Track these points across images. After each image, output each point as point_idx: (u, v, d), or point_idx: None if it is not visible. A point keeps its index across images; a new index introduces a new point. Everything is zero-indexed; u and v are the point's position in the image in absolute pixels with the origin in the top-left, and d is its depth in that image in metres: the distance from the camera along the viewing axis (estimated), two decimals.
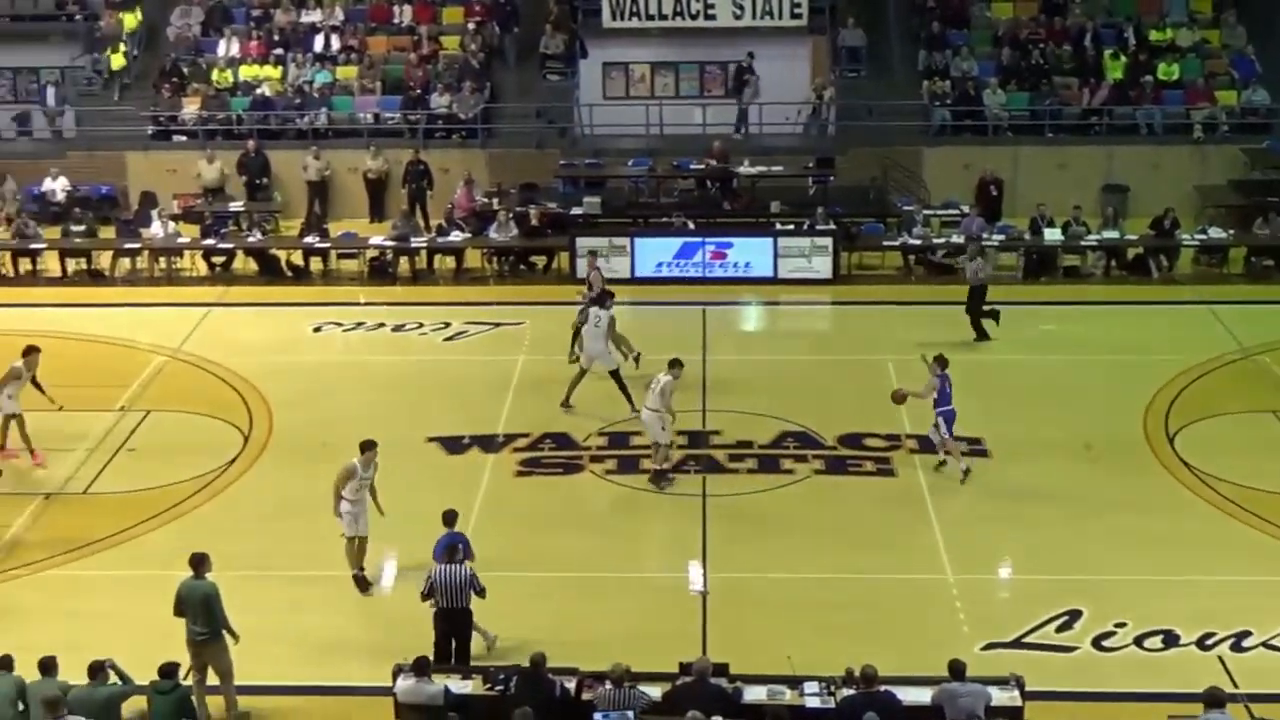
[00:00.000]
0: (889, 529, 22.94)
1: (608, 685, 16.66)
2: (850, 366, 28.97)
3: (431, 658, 17.99)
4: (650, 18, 39.70)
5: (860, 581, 21.36)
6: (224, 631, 18.27)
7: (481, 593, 18.86)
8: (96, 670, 16.86)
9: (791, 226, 34.07)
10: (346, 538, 21.24)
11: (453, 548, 19.32)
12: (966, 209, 35.42)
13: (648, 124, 39.30)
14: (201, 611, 18.09)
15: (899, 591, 21.22)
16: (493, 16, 40.78)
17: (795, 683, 17.24)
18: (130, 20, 41.49)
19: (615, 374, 26.75)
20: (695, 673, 16.80)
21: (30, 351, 25.40)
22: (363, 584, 21.31)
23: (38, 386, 25.32)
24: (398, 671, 17.45)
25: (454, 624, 18.84)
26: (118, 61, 40.71)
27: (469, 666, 18.05)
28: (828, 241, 33.18)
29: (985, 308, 29.69)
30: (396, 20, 41.74)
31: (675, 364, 24.32)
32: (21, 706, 16.81)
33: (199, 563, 18.46)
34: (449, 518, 20.09)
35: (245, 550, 21.46)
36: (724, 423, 26.27)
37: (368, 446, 21.38)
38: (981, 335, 29.70)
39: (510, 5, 41.14)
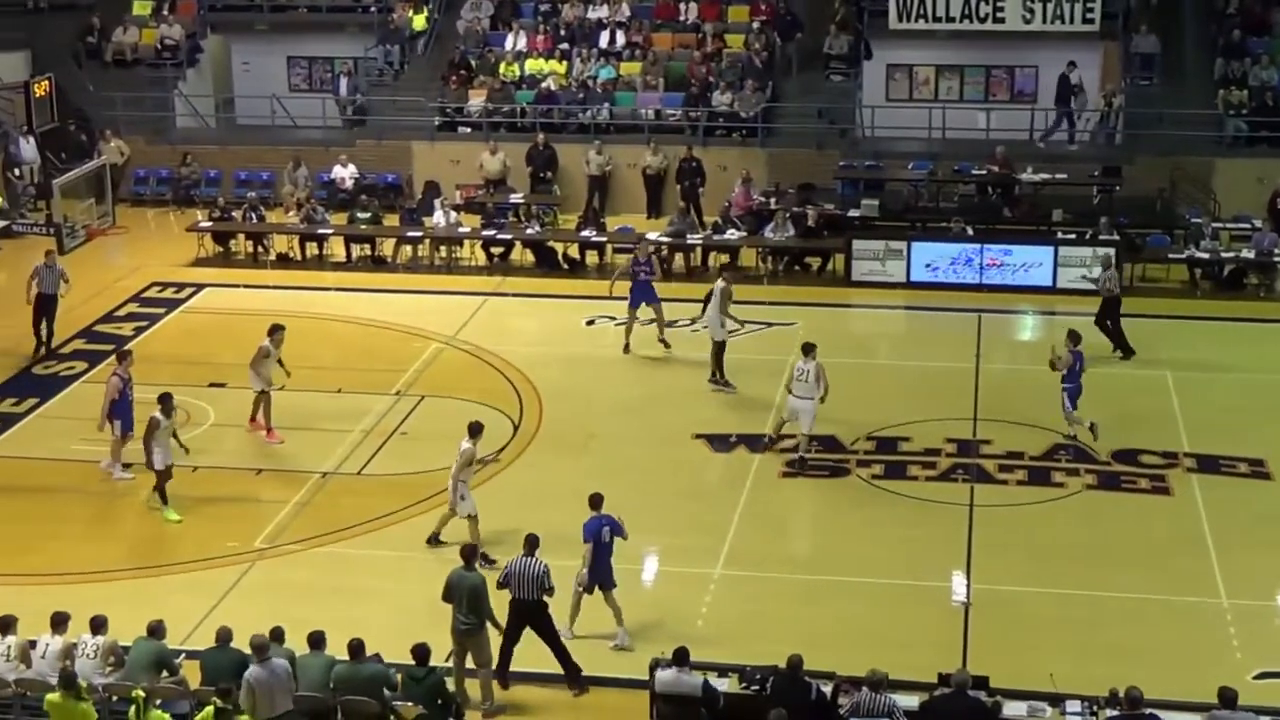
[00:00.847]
0: (1161, 548, 22.28)
1: (865, 691, 16.45)
2: (1127, 380, 28.19)
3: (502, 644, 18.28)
4: (937, 20, 39.17)
5: (1128, 601, 20.80)
6: (488, 624, 18.47)
7: (550, 592, 18.74)
8: (358, 649, 17.19)
9: (1073, 236, 33.34)
10: (470, 517, 21.66)
11: (600, 531, 19.58)
12: (1259, 223, 34.27)
13: (929, 127, 38.84)
14: (469, 602, 18.33)
15: (1168, 613, 20.61)
16: (777, 16, 40.64)
17: (1057, 700, 16.83)
18: (419, 20, 42.32)
19: (720, 346, 27.49)
20: (954, 684, 16.51)
21: (276, 329, 26.08)
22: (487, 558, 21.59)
23: (279, 363, 26.01)
24: (655, 665, 17.46)
25: (526, 616, 18.82)
26: (419, 23, 41.83)
27: (725, 665, 17.96)
28: (1110, 252, 32.38)
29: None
30: (682, 17, 41.88)
31: (809, 348, 24.89)
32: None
33: (470, 554, 18.74)
34: (595, 501, 20.12)
35: (507, 538, 21.66)
36: (995, 432, 25.82)
37: (480, 429, 21.98)
38: (1125, 348, 28.90)
39: (789, 11, 40.84)
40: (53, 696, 16.54)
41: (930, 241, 33.47)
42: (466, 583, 18.39)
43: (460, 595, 18.36)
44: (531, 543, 19.04)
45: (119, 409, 24.55)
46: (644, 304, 29.65)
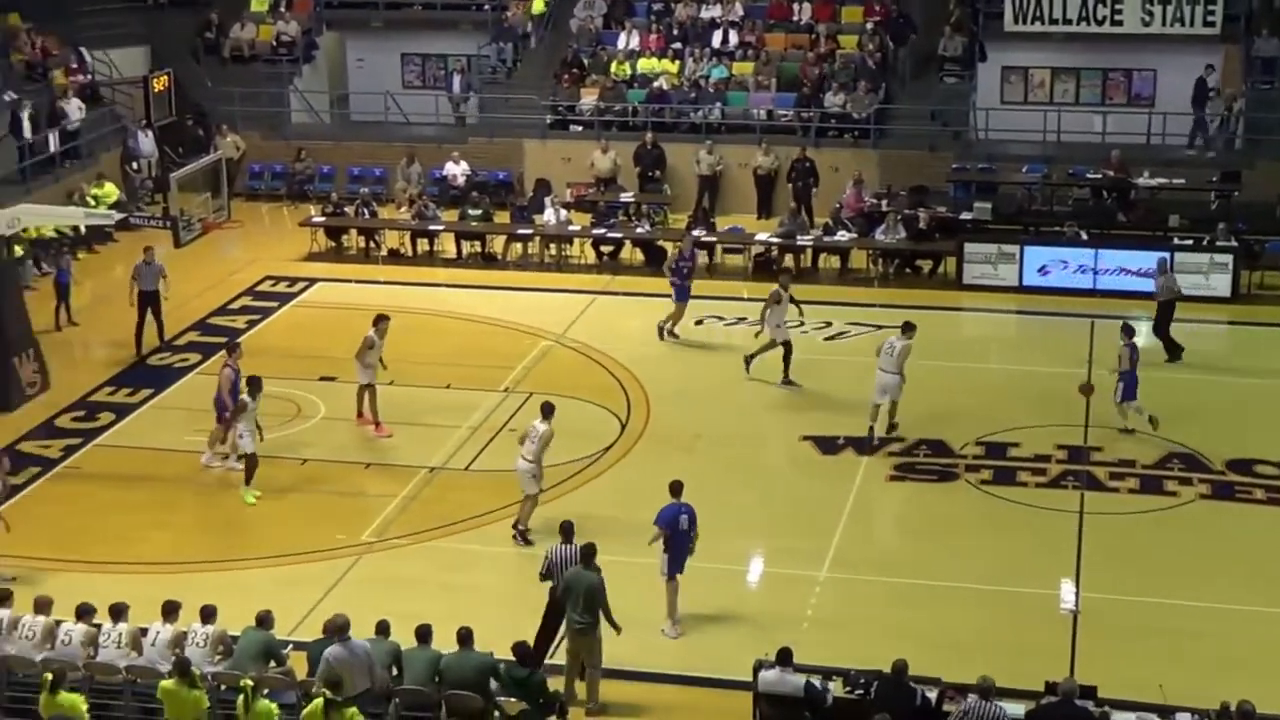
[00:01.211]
0: (1276, 560, 21.91)
1: (972, 698, 16.30)
2: (1243, 389, 27.83)
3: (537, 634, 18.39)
4: (1054, 22, 38.80)
5: (1241, 613, 20.48)
6: (604, 623, 18.48)
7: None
8: (466, 638, 17.25)
9: (1190, 241, 32.87)
10: (530, 497, 22.37)
11: (677, 518, 19.88)
12: None
13: (1044, 130, 38.44)
14: (584, 601, 18.37)
15: None
16: (890, 19, 40.37)
17: (1166, 713, 16.63)
18: (538, 4, 42.45)
19: (786, 346, 27.88)
20: (1062, 694, 16.33)
21: (380, 320, 26.17)
22: (525, 538, 22.30)
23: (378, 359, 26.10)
24: (759, 666, 17.39)
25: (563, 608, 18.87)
26: (538, 6, 42.11)
27: (829, 668, 17.85)
28: (1228, 259, 31.91)
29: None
30: (796, 18, 41.73)
31: (908, 327, 25.49)
32: (395, 671, 17.35)
33: (589, 555, 18.71)
34: (675, 488, 20.35)
35: (614, 535, 21.67)
36: (1107, 439, 25.52)
37: (552, 409, 22.60)
38: (1172, 351, 28.76)
39: (902, 14, 40.56)
40: (167, 684, 16.72)
41: (1043, 245, 33.13)
42: (584, 582, 18.44)
43: (577, 594, 18.40)
44: (567, 530, 19.31)
45: (227, 400, 24.75)
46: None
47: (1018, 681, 17.02)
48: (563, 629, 18.92)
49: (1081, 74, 40.79)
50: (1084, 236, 33.28)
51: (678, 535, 19.99)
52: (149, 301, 29.81)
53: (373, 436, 26.00)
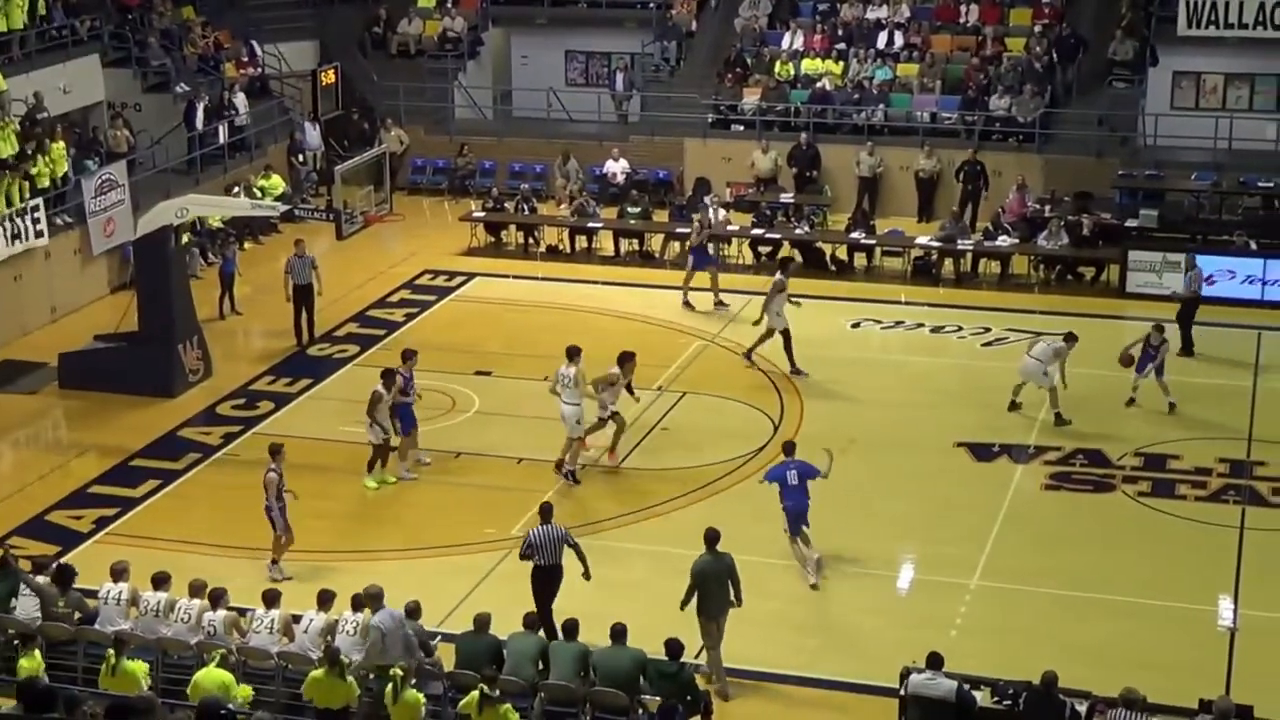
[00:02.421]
0: None
1: (1121, 712, 16.01)
2: None
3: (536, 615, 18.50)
4: (1229, 26, 37.99)
5: None
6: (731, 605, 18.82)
7: (575, 546, 19.56)
8: (619, 634, 17.34)
9: None
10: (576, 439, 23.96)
11: (784, 475, 21.20)
12: None
13: (1215, 137, 37.68)
14: (718, 585, 18.69)
15: None
16: (1060, 39, 39.67)
17: None
18: None
19: (785, 335, 28.28)
20: (1217, 712, 15.98)
21: (626, 359, 25.23)
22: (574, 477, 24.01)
23: (629, 389, 25.53)
24: (907, 673, 17.20)
25: (549, 581, 19.47)
26: None
27: (977, 677, 17.63)
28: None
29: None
30: (962, 20, 41.33)
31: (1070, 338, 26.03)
32: (541, 666, 17.41)
33: (713, 538, 19.06)
34: (787, 448, 21.82)
35: (763, 537, 21.63)
36: (1271, 453, 24.96)
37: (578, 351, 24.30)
38: (1188, 348, 28.99)
39: (1074, 33, 39.90)
40: (316, 674, 16.90)
41: (1211, 254, 32.45)
42: (720, 565, 18.85)
43: (716, 578, 18.70)
44: (546, 511, 20.11)
45: (403, 410, 24.72)
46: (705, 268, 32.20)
47: (1171, 698, 16.67)
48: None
49: (1256, 80, 39.88)
50: (1253, 246, 32.59)
51: (788, 491, 20.96)
52: (303, 295, 30.15)
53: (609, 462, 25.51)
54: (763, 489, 22.13)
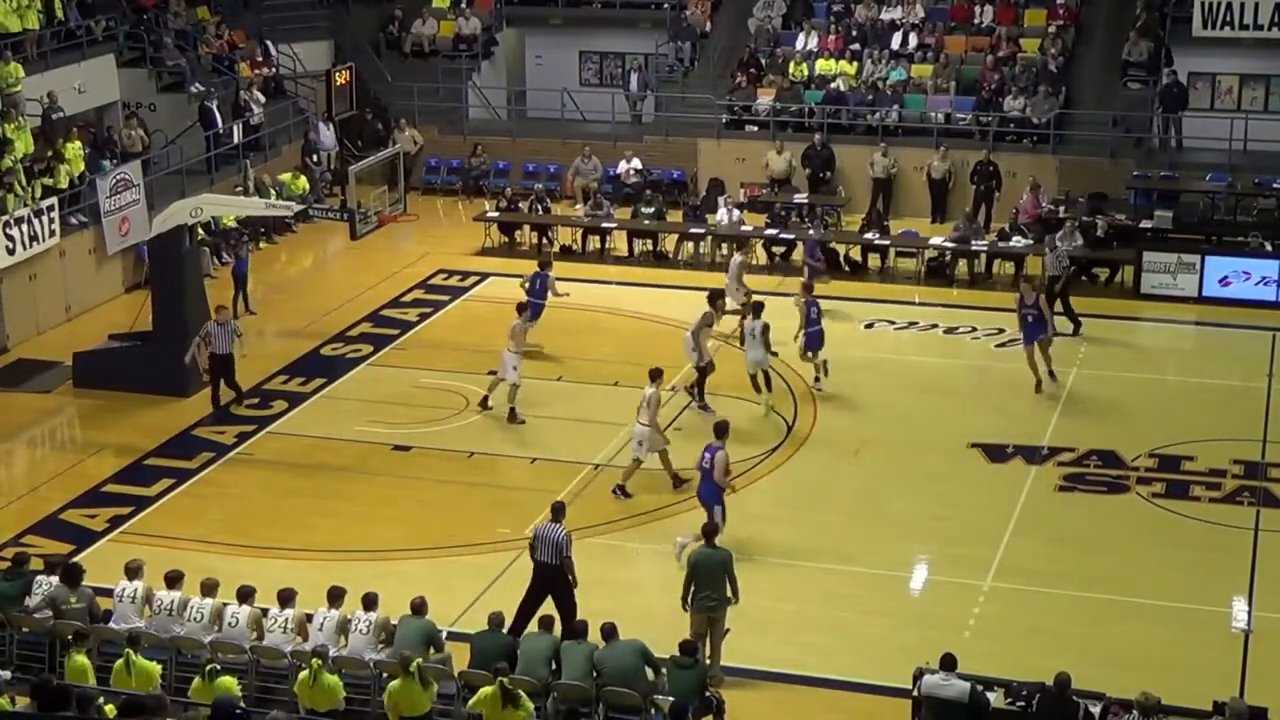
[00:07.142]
0: None
1: (1135, 715, 15.99)
2: None
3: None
4: (1244, 27, 37.87)
5: None
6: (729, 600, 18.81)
7: (568, 560, 19.30)
8: (610, 632, 17.41)
9: None
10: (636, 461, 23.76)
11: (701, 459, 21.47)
12: None
13: (1230, 138, 37.56)
14: (714, 579, 18.68)
15: None
16: (1075, 22, 39.75)
17: None
18: None
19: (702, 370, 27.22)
20: (1230, 714, 15.97)
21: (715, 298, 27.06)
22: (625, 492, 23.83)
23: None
24: (919, 674, 17.18)
25: (547, 581, 19.24)
26: None
27: (991, 678, 17.62)
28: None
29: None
30: (977, 20, 41.27)
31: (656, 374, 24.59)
32: (554, 666, 17.41)
33: (711, 532, 19.25)
34: (720, 429, 22.03)
35: (777, 538, 21.62)
36: None
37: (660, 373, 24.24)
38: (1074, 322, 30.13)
39: (1075, 19, 39.86)
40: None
41: (1226, 256, 32.43)
42: (716, 559, 18.81)
43: (710, 572, 18.69)
44: (557, 509, 19.72)
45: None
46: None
47: (1185, 700, 16.66)
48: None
49: (1272, 81, 39.78)
50: (1268, 248, 32.52)
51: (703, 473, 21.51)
52: (221, 367, 27.25)
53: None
54: (772, 489, 22.15)
